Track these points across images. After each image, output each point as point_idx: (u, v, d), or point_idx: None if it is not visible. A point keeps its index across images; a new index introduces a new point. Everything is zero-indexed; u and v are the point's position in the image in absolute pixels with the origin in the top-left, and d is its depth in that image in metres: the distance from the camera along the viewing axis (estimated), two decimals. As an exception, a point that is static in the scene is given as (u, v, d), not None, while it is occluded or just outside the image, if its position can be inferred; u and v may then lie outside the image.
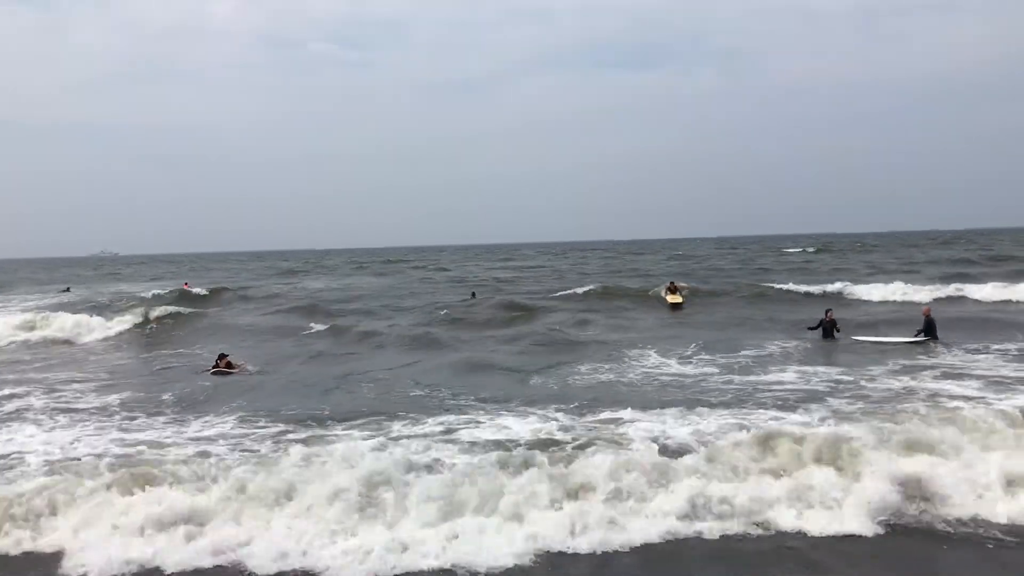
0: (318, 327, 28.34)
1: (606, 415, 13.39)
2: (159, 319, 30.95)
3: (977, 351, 19.73)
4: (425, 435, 12.24)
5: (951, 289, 33.54)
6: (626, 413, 13.34)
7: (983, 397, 13.93)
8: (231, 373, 19.94)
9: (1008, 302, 30.45)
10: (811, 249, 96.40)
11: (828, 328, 22.66)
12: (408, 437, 12.15)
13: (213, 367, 20.27)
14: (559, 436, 11.94)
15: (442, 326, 28.55)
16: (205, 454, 11.48)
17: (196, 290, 44.17)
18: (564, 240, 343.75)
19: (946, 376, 16.41)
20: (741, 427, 11.94)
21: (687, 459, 10.03)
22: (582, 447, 10.98)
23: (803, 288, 36.16)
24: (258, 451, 11.70)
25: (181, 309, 33.69)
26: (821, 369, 17.74)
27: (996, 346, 20.38)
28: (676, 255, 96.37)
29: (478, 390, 16.31)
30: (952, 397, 14.03)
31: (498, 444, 11.46)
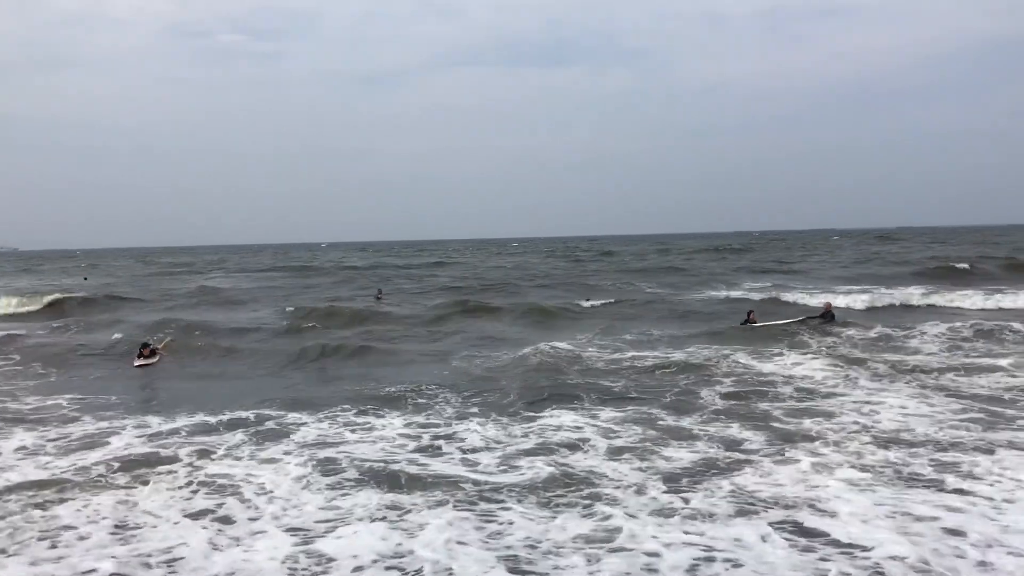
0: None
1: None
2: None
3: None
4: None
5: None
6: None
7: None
8: (154, 362, 20.33)
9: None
10: (728, 246, 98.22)
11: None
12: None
13: (138, 356, 20.35)
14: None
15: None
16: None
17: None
18: (475, 237, 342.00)
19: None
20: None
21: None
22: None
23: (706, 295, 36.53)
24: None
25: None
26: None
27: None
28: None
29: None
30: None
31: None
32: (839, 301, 29.25)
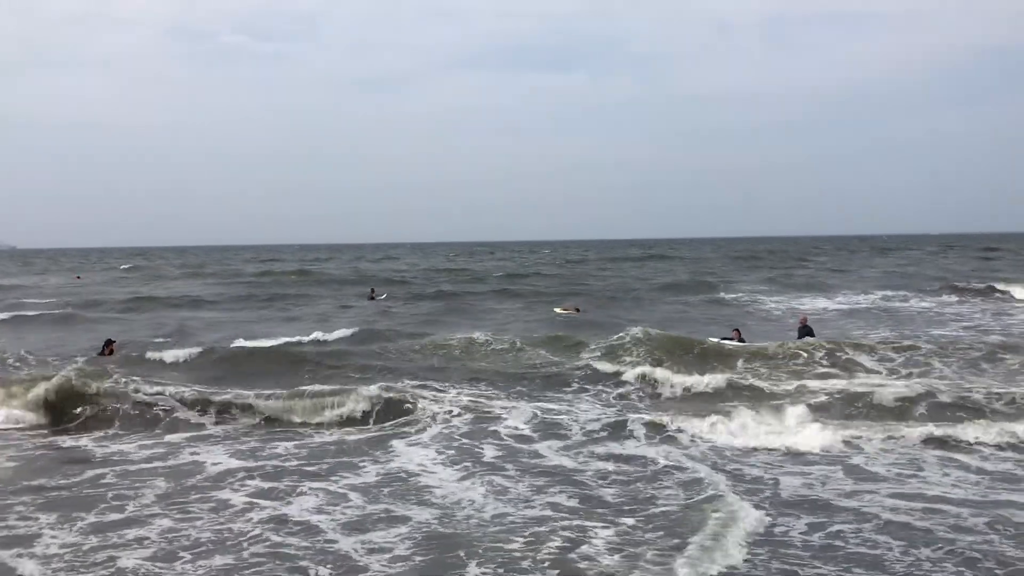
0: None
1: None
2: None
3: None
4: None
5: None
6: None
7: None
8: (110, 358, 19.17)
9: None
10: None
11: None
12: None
13: (99, 353, 19.59)
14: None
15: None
16: None
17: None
18: (474, 240, 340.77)
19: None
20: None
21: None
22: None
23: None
24: None
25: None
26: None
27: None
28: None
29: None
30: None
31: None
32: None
